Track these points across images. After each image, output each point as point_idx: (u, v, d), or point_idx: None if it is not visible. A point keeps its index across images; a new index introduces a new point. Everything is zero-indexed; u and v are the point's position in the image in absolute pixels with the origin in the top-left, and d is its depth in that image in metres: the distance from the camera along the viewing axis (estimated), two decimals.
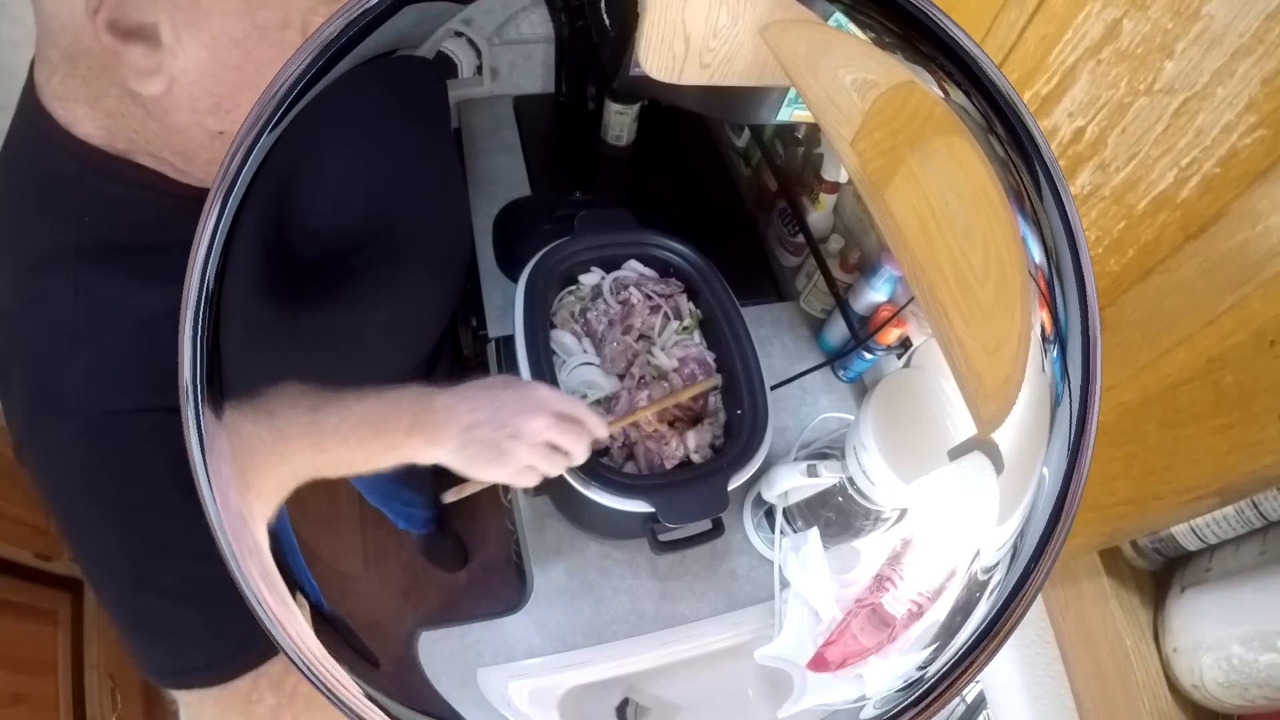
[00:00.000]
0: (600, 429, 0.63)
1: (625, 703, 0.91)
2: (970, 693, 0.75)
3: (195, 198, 0.51)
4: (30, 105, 0.51)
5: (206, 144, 0.48)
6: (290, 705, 0.55)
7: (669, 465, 0.81)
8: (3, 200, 0.51)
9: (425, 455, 0.59)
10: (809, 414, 1.17)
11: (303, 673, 0.43)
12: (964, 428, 0.78)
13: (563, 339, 0.82)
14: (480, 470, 0.61)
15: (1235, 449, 0.22)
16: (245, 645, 0.55)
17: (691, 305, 0.95)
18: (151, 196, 0.49)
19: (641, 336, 0.92)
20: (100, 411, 0.48)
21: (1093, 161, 0.30)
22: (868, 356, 1.15)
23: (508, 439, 0.63)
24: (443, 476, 1.62)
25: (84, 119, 0.47)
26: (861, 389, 1.21)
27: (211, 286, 0.42)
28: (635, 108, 1.42)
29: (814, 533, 0.87)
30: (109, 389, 0.47)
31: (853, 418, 0.91)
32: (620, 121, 1.42)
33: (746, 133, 1.48)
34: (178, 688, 0.56)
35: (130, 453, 0.50)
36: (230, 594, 0.47)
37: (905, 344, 1.09)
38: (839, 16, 0.57)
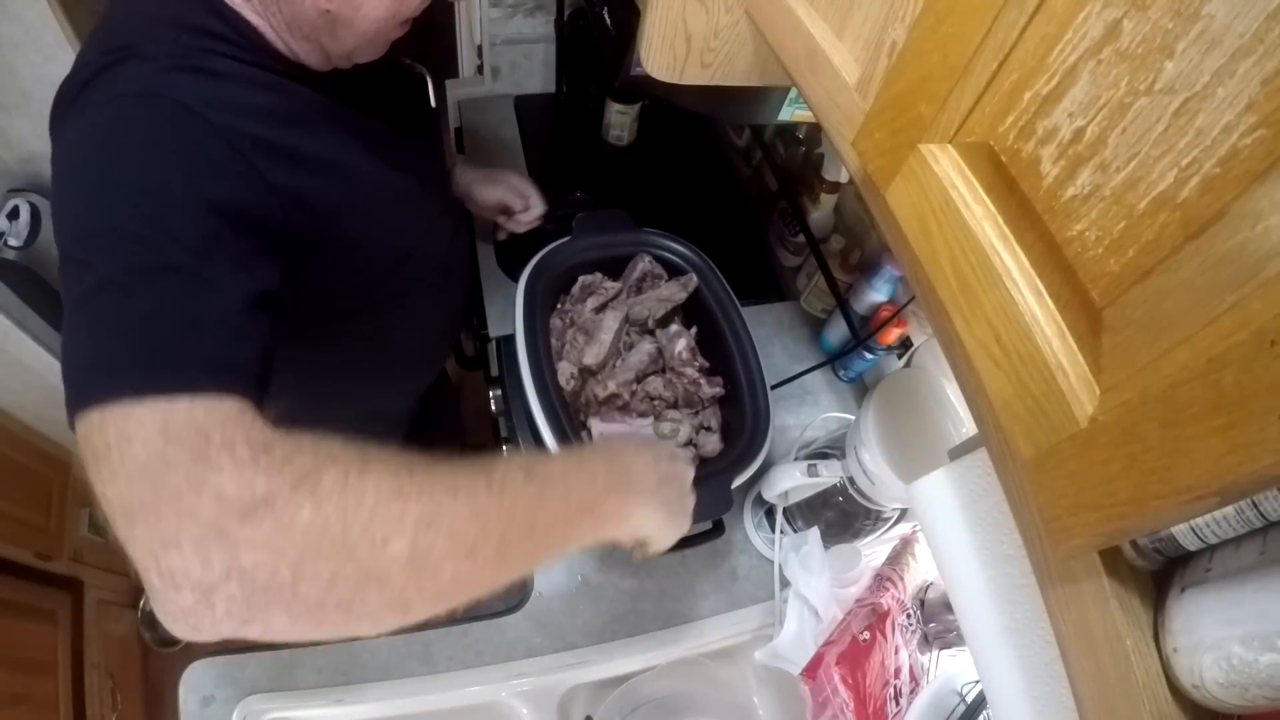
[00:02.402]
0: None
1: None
2: (970, 693, 0.76)
3: (276, 64, 0.57)
4: None
5: (313, 18, 0.55)
6: (272, 471, 0.37)
7: None
8: (120, 4, 0.57)
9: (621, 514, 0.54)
10: (809, 414, 1.18)
11: None
12: (964, 428, 0.79)
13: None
14: (672, 530, 0.58)
15: (1235, 449, 0.23)
16: (233, 366, 0.42)
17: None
18: (242, 41, 0.55)
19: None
20: (163, 96, 0.48)
21: (1093, 161, 0.30)
22: (868, 356, 1.16)
23: (688, 498, 0.62)
24: None
25: None
26: (861, 389, 1.22)
27: None
28: (635, 108, 1.42)
29: (814, 533, 0.88)
30: (176, 88, 0.49)
31: (853, 418, 0.91)
32: (620, 121, 1.43)
33: (747, 133, 1.49)
34: (126, 392, 0.37)
35: (180, 134, 0.48)
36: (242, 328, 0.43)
37: (905, 344, 1.09)
38: None
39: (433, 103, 0.83)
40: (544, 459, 0.52)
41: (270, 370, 0.46)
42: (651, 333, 0.93)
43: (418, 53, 0.67)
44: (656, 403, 0.86)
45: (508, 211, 1.03)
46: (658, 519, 0.56)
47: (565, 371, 0.86)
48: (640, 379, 0.87)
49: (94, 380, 0.39)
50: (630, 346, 0.91)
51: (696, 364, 0.90)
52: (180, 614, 0.36)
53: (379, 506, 0.38)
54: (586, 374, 0.88)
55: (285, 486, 0.37)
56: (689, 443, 0.85)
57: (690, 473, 0.62)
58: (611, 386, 0.84)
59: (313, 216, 0.57)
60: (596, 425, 0.81)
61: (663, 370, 0.90)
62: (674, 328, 0.92)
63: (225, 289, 0.45)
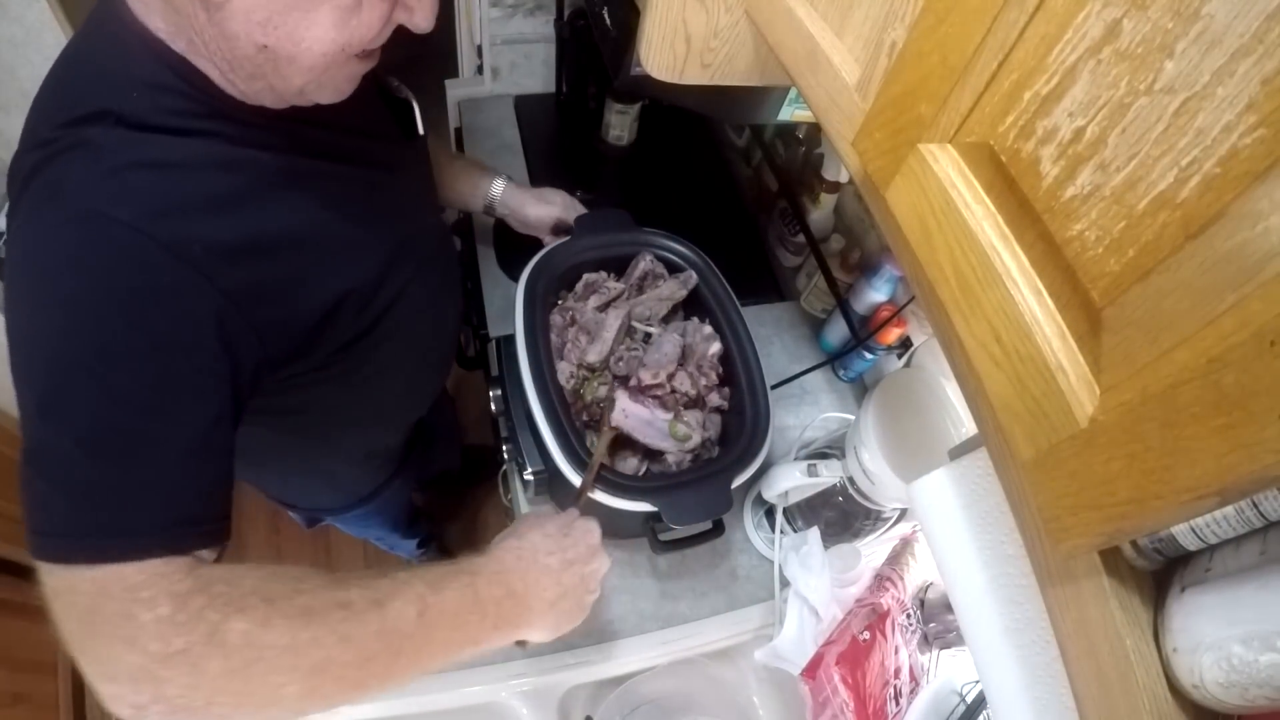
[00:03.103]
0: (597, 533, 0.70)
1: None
2: (970, 693, 0.76)
3: (227, 109, 0.55)
4: None
5: (251, 55, 0.52)
6: (187, 629, 0.46)
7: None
8: (69, 62, 0.57)
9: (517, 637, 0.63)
10: (809, 414, 1.18)
11: None
12: (964, 428, 0.79)
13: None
14: (549, 637, 0.65)
15: (1235, 449, 0.22)
16: (167, 527, 0.49)
17: None
18: (193, 93, 0.54)
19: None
20: (105, 215, 0.48)
21: (1093, 161, 0.29)
22: (868, 356, 1.16)
23: (588, 596, 0.68)
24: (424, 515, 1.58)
25: (155, 13, 0.53)
26: (861, 389, 1.22)
27: None
28: (635, 108, 1.42)
29: (814, 533, 0.88)
30: (120, 201, 0.49)
31: (853, 418, 0.91)
32: (621, 121, 1.43)
33: (747, 133, 1.49)
34: (69, 557, 0.46)
35: (120, 268, 0.49)
36: (174, 474, 0.49)
37: (905, 344, 1.09)
38: None
39: (420, 129, 0.78)
40: (443, 588, 0.57)
41: (230, 479, 0.54)
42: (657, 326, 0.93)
43: (417, 54, 0.65)
44: (678, 396, 0.86)
45: (559, 227, 1.02)
46: (539, 636, 0.64)
47: (565, 371, 0.86)
48: (671, 375, 0.87)
49: (49, 541, 0.47)
50: (646, 338, 0.91)
51: (718, 371, 0.90)
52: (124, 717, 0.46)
53: (278, 660, 0.48)
54: (587, 371, 0.88)
55: (198, 642, 0.46)
56: (695, 455, 0.85)
57: (602, 566, 0.68)
58: (649, 378, 0.84)
59: (279, 301, 0.57)
60: (623, 400, 0.81)
61: (682, 364, 0.90)
62: (707, 329, 0.92)
63: (175, 437, 0.50)
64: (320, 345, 0.64)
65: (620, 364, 0.88)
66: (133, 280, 0.49)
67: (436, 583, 0.57)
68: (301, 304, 0.60)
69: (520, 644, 0.65)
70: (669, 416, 0.83)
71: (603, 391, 0.85)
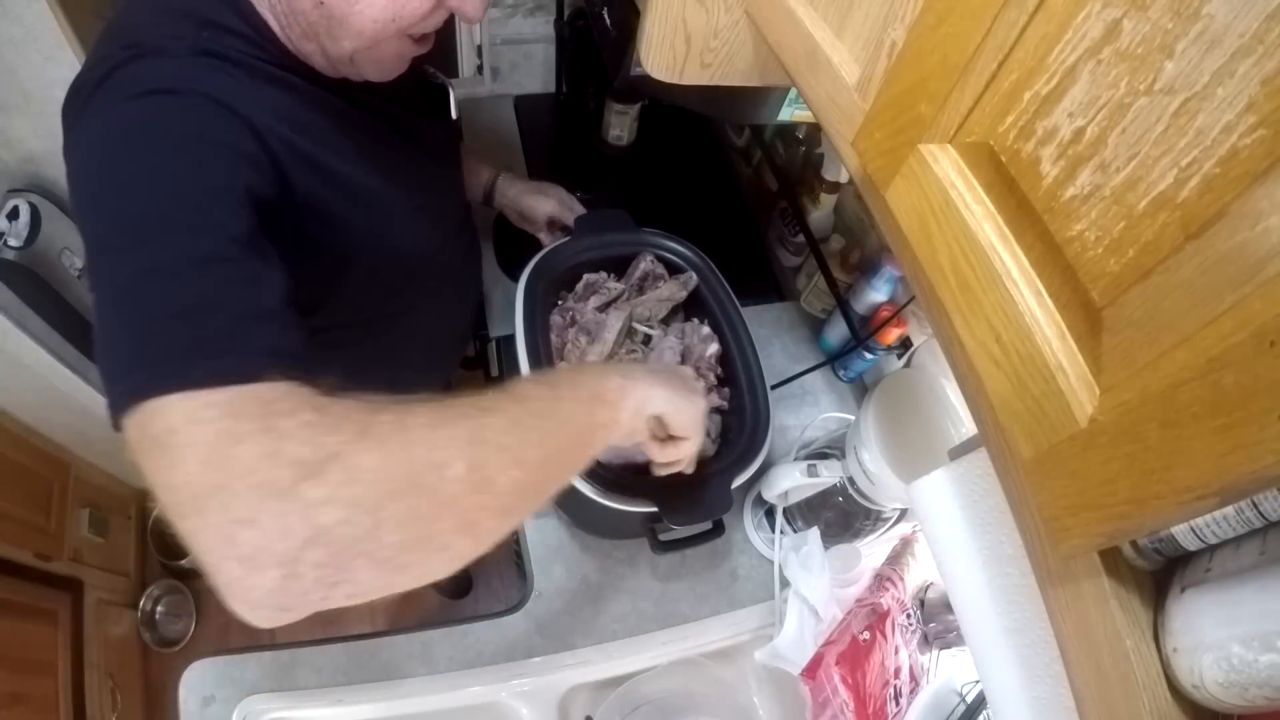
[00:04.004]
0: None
1: None
2: (970, 693, 0.76)
3: (290, 63, 0.58)
4: None
5: (308, 10, 0.55)
6: (335, 429, 0.39)
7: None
8: (135, 6, 0.57)
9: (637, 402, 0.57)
10: (809, 414, 1.18)
11: None
12: (964, 428, 0.79)
13: None
14: (684, 404, 0.60)
15: (1235, 449, 0.22)
16: (287, 353, 0.43)
17: None
18: (260, 40, 0.56)
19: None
20: (173, 90, 0.49)
21: (1093, 161, 0.29)
22: (868, 356, 1.16)
23: (692, 383, 0.64)
24: None
25: None
26: (861, 389, 1.21)
27: None
28: (635, 108, 1.42)
29: (814, 533, 0.88)
30: (192, 82, 0.50)
31: (853, 418, 0.91)
32: (620, 121, 1.43)
33: (747, 133, 1.49)
34: (196, 382, 0.38)
35: (198, 122, 0.48)
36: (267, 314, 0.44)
37: (905, 344, 1.09)
38: None
39: (454, 114, 0.82)
40: (547, 371, 0.58)
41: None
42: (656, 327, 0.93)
43: (425, 56, 0.67)
44: None
45: (554, 223, 1.03)
46: (663, 393, 0.58)
47: None
48: None
49: (156, 370, 0.39)
50: (646, 340, 0.91)
51: (716, 372, 0.90)
52: (265, 596, 0.35)
53: (432, 435, 0.41)
54: None
55: (350, 439, 0.38)
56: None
57: (690, 372, 0.68)
58: None
59: (326, 227, 0.58)
60: None
61: (682, 364, 0.90)
62: (705, 329, 0.92)
63: (268, 281, 0.46)
64: (348, 288, 0.65)
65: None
66: (227, 140, 0.49)
67: (540, 373, 0.59)
68: (348, 244, 0.61)
69: (670, 450, 0.63)
70: None
71: None
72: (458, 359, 0.98)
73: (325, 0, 0.53)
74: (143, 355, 0.40)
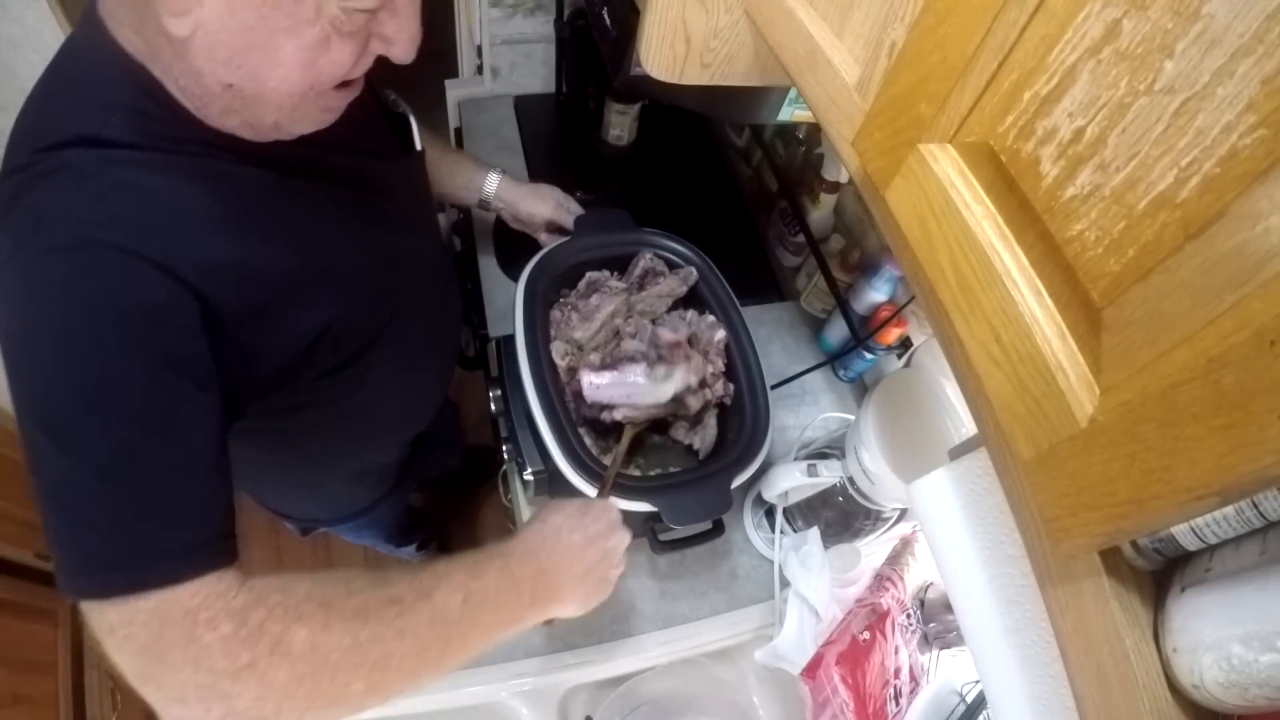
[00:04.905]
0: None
1: None
2: (970, 693, 0.76)
3: (208, 133, 0.53)
4: (90, 16, 0.54)
5: (218, 93, 0.51)
6: (251, 643, 0.47)
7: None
8: (47, 87, 0.55)
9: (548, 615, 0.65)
10: (809, 414, 1.18)
11: None
12: (964, 428, 0.79)
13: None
14: (594, 604, 0.68)
15: (1235, 449, 0.22)
16: (206, 543, 0.49)
17: None
18: (173, 119, 0.52)
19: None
20: (95, 240, 0.48)
21: (1093, 161, 0.29)
22: (868, 356, 1.16)
23: (612, 570, 0.69)
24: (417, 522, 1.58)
25: (131, 39, 0.52)
26: (861, 389, 1.21)
27: None
28: (635, 108, 1.42)
29: (814, 532, 0.88)
30: (109, 225, 0.48)
31: (853, 418, 0.91)
32: (620, 121, 1.43)
33: (747, 133, 1.49)
34: (121, 590, 0.46)
35: (116, 290, 0.48)
36: (196, 495, 0.49)
37: (905, 344, 1.09)
38: None
39: (417, 145, 0.77)
40: (481, 573, 0.59)
41: (232, 494, 0.53)
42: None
43: (393, 80, 0.63)
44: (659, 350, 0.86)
45: (552, 225, 1.02)
46: (571, 610, 0.66)
47: (559, 350, 0.85)
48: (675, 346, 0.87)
49: (89, 577, 0.46)
50: (634, 335, 0.91)
51: (722, 360, 0.90)
52: None
53: (342, 660, 0.50)
54: (576, 348, 0.87)
55: (264, 654, 0.47)
56: (679, 400, 0.84)
57: (623, 541, 0.70)
58: (633, 345, 0.84)
59: (265, 325, 0.56)
60: (587, 376, 0.81)
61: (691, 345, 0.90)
62: (710, 318, 0.92)
63: (191, 455, 0.50)
64: (305, 371, 0.63)
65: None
66: (128, 301, 0.48)
67: (474, 569, 0.59)
68: (287, 330, 0.59)
69: (548, 623, 0.68)
70: (642, 366, 0.82)
71: None
72: (446, 384, 0.97)
73: (234, 84, 0.49)
74: (73, 563, 0.47)
